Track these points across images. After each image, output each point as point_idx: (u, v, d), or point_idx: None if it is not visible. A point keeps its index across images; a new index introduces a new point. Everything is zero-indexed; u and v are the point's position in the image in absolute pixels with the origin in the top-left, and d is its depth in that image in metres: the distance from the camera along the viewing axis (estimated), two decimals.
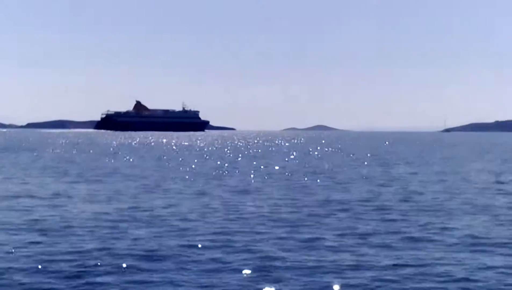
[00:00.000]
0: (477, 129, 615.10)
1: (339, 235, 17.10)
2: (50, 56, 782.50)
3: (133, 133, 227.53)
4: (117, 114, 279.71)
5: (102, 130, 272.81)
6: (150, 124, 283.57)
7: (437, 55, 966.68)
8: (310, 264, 13.62)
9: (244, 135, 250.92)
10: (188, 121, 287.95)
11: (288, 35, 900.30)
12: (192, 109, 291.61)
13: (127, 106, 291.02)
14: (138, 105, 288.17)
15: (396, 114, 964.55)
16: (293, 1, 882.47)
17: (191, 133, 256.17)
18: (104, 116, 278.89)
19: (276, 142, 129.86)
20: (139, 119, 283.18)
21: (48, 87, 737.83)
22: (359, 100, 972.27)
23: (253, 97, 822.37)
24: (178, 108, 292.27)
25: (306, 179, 35.16)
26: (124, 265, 13.31)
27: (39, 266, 13.19)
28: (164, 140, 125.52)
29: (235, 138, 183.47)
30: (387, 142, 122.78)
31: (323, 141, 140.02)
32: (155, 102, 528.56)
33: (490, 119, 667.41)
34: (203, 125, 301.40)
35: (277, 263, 13.61)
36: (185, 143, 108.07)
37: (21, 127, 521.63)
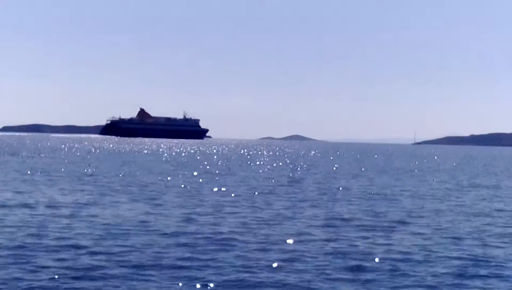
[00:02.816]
0: (452, 142, 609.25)
1: None
2: (51, 62, 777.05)
3: (137, 140, 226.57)
4: (122, 121, 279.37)
5: (107, 136, 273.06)
6: (153, 131, 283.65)
7: (415, 69, 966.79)
8: None
9: (239, 144, 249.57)
10: (189, 129, 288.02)
11: (265, 44, 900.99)
12: (193, 118, 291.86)
13: (131, 113, 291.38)
14: (142, 112, 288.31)
15: (370, 126, 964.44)
16: (270, 10, 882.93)
17: (197, 141, 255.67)
18: (109, 122, 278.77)
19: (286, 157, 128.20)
20: (143, 126, 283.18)
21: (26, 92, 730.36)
22: (334, 111, 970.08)
23: (229, 105, 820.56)
24: (179, 116, 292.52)
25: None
26: None
27: None
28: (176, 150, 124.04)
29: (233, 146, 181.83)
30: (376, 156, 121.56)
31: (338, 152, 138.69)
32: (158, 110, 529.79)
33: (466, 133, 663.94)
34: (202, 133, 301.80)
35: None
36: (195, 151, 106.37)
37: None
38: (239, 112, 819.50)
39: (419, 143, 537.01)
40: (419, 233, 19.90)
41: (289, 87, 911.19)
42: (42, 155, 72.14)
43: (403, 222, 22.34)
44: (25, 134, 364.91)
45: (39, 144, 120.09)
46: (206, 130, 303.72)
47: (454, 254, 16.42)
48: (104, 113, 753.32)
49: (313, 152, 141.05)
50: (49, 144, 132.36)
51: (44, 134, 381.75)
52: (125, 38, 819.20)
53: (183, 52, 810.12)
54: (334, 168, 61.76)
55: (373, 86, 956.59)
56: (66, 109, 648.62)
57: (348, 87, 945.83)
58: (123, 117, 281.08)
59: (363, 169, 61.70)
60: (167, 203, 26.32)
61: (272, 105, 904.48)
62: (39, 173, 42.05)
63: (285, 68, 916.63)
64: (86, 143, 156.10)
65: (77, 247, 15.88)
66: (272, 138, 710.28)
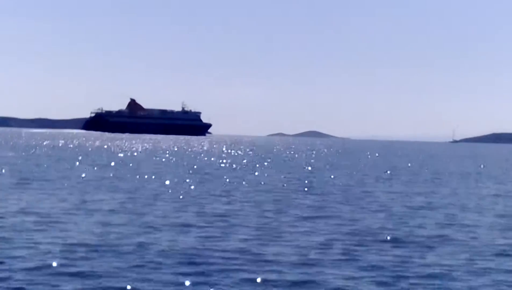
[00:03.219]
0: (500, 140, 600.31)
1: None
2: (27, 44, 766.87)
3: (129, 136, 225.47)
4: (109, 114, 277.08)
5: (92, 131, 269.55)
6: (146, 126, 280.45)
7: (452, 57, 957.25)
8: None
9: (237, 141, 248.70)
10: (188, 124, 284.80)
11: (280, 34, 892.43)
12: (193, 110, 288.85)
13: (119, 104, 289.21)
14: (133, 103, 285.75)
15: (397, 122, 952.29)
16: (287, 2, 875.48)
17: (197, 137, 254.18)
18: (93, 115, 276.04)
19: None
20: (133, 119, 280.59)
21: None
22: (356, 105, 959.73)
23: (234, 97, 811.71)
24: (177, 108, 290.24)
25: None
26: None
27: None
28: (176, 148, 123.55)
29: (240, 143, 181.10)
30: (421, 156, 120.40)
31: (368, 152, 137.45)
32: (151, 101, 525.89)
33: None
34: (204, 129, 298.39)
35: None
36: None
37: None
38: (245, 103, 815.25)
39: (458, 141, 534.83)
40: (459, 251, 18.86)
41: (305, 76, 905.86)
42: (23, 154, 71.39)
43: (440, 236, 21.29)
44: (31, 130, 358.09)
45: (10, 142, 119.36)
46: (209, 125, 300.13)
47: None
48: (86, 104, 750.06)
49: (330, 149, 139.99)
50: (21, 141, 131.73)
51: (13, 129, 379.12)
52: (111, 14, 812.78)
53: (181, 33, 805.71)
54: (357, 171, 60.78)
55: (403, 76, 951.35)
56: (38, 100, 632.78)
57: (375, 77, 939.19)
58: (110, 109, 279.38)
59: (388, 171, 60.59)
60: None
61: (284, 96, 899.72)
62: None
63: (301, 54, 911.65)
64: (65, 140, 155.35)
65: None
66: (283, 134, 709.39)
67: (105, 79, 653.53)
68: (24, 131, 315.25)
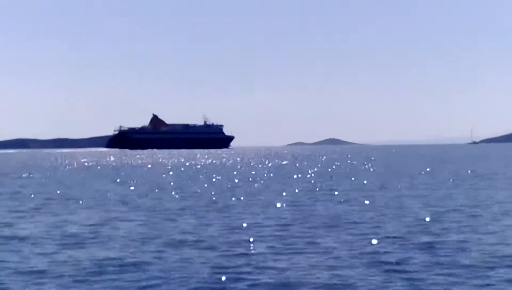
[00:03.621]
0: None
1: None
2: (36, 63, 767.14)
3: (155, 151, 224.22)
4: (132, 131, 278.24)
5: (116, 149, 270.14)
6: (169, 141, 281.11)
7: (468, 56, 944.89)
8: None
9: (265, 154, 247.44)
10: (211, 137, 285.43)
11: (297, 40, 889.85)
12: (215, 123, 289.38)
13: (139, 121, 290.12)
14: (155, 119, 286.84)
15: (414, 126, 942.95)
16: (304, 4, 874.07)
17: (221, 150, 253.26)
18: (117, 132, 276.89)
19: None
20: (157, 135, 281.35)
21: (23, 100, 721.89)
22: (374, 110, 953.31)
23: (252, 106, 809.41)
24: (198, 121, 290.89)
25: None
26: None
27: None
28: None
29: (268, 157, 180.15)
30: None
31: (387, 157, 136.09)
32: (172, 116, 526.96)
33: None
34: (227, 141, 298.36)
35: None
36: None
37: None
38: (262, 114, 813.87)
39: (477, 143, 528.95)
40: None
41: (323, 84, 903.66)
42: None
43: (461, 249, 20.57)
44: (10, 150, 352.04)
45: (47, 163, 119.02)
46: (232, 138, 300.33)
47: None
48: (104, 122, 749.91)
49: (348, 155, 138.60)
50: (47, 162, 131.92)
51: (34, 150, 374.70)
52: (130, 32, 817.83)
53: (198, 47, 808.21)
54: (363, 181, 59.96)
55: (420, 78, 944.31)
56: (56, 120, 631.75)
57: (391, 81, 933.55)
58: (132, 126, 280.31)
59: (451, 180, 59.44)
60: None
61: (303, 105, 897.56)
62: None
63: (318, 63, 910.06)
64: (94, 160, 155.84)
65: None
66: (303, 143, 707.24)
67: (123, 96, 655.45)
68: (46, 151, 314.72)
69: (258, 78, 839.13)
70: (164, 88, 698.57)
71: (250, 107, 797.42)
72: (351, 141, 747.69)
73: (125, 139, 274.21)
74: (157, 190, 41.14)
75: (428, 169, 67.47)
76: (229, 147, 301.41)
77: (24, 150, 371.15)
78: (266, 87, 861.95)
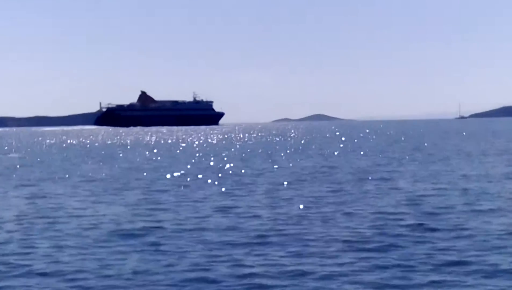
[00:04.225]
0: (511, 113, 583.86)
1: None
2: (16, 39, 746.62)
3: (144, 129, 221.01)
4: (120, 108, 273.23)
5: (104, 127, 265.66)
6: (158, 118, 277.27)
7: (454, 28, 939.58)
8: None
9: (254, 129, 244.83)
10: (201, 114, 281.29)
11: (286, 20, 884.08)
12: (205, 100, 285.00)
13: (127, 98, 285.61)
14: (144, 96, 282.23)
15: (400, 102, 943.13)
16: None
17: (211, 127, 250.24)
18: (104, 110, 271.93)
19: None
20: (146, 112, 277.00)
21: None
22: (360, 86, 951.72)
23: (237, 84, 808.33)
24: (188, 98, 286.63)
25: None
26: None
27: None
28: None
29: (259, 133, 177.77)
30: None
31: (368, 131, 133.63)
32: (162, 93, 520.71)
33: None
34: (217, 118, 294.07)
35: None
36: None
37: None
38: (246, 91, 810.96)
39: (466, 117, 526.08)
40: None
41: (307, 60, 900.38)
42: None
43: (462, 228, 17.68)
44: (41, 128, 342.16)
45: (34, 139, 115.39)
46: (222, 114, 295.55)
47: None
48: (90, 99, 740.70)
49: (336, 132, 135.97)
50: (48, 140, 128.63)
51: (15, 129, 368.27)
52: (117, 8, 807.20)
53: (187, 22, 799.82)
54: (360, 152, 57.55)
55: (405, 52, 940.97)
56: (37, 98, 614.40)
57: (378, 57, 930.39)
58: (120, 103, 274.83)
59: (395, 153, 56.90)
60: None
61: (292, 81, 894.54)
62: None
63: (306, 41, 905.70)
64: (83, 138, 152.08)
65: None
66: (289, 120, 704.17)
67: (107, 73, 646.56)
68: (33, 129, 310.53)
69: (246, 56, 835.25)
70: (152, 64, 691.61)
71: (238, 84, 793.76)
72: (337, 116, 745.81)
73: (113, 117, 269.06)
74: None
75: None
76: (219, 124, 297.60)
77: (2, 128, 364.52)
78: (251, 65, 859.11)
